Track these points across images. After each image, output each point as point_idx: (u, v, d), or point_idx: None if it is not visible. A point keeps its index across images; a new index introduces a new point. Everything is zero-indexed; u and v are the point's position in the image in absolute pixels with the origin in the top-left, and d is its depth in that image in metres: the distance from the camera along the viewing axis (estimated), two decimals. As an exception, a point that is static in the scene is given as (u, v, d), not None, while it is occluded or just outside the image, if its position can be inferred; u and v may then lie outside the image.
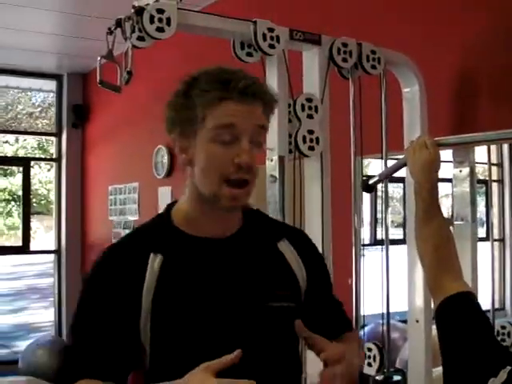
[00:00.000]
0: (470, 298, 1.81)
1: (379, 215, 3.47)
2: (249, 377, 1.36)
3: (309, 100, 2.67)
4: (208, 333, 1.51)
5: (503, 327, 3.15)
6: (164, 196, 5.55)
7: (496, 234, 4.06)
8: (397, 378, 2.98)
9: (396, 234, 4.79)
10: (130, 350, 1.52)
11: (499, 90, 3.02)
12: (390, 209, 3.35)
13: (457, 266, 1.92)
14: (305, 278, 1.69)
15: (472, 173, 2.85)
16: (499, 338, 3.11)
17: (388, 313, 3.10)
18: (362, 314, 3.06)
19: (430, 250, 1.94)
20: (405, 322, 3.27)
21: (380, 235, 3.24)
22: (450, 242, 1.97)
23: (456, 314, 1.77)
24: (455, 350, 1.68)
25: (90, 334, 1.50)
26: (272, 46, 2.62)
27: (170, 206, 1.66)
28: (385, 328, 3.10)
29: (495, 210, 4.07)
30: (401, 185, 3.93)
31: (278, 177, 2.61)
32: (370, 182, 2.40)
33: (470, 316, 1.77)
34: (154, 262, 1.51)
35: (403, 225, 3.93)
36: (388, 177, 2.64)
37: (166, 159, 5.54)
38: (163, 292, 1.50)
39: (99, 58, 2.45)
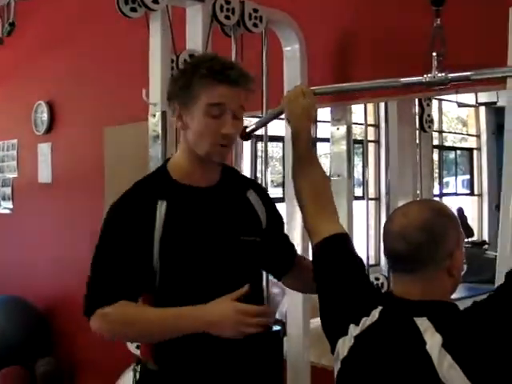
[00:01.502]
0: (344, 239, 1.89)
1: (259, 175, 3.53)
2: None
3: (191, 56, 2.69)
4: (204, 261, 1.96)
5: (377, 278, 3.30)
6: (44, 152, 5.42)
7: (373, 194, 4.21)
8: (276, 328, 3.05)
9: (276, 193, 4.89)
10: (144, 275, 1.93)
11: (379, 50, 3.11)
12: (269, 168, 3.42)
13: (333, 210, 2.01)
14: (265, 219, 2.15)
15: (349, 131, 2.96)
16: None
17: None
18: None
19: (307, 195, 2.01)
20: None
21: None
22: (327, 188, 2.05)
23: (331, 254, 1.85)
24: (330, 290, 1.76)
25: (112, 260, 1.92)
26: (156, 2, 2.62)
27: (165, 162, 2.09)
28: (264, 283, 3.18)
29: (372, 170, 4.21)
30: (280, 144, 4.01)
31: (160, 132, 2.63)
32: (247, 130, 2.45)
33: (345, 257, 1.85)
34: (161, 206, 1.93)
35: (282, 184, 4.02)
36: (264, 125, 2.71)
37: (45, 115, 5.38)
38: (169, 230, 1.93)
39: (-20, 10, 2.41)
